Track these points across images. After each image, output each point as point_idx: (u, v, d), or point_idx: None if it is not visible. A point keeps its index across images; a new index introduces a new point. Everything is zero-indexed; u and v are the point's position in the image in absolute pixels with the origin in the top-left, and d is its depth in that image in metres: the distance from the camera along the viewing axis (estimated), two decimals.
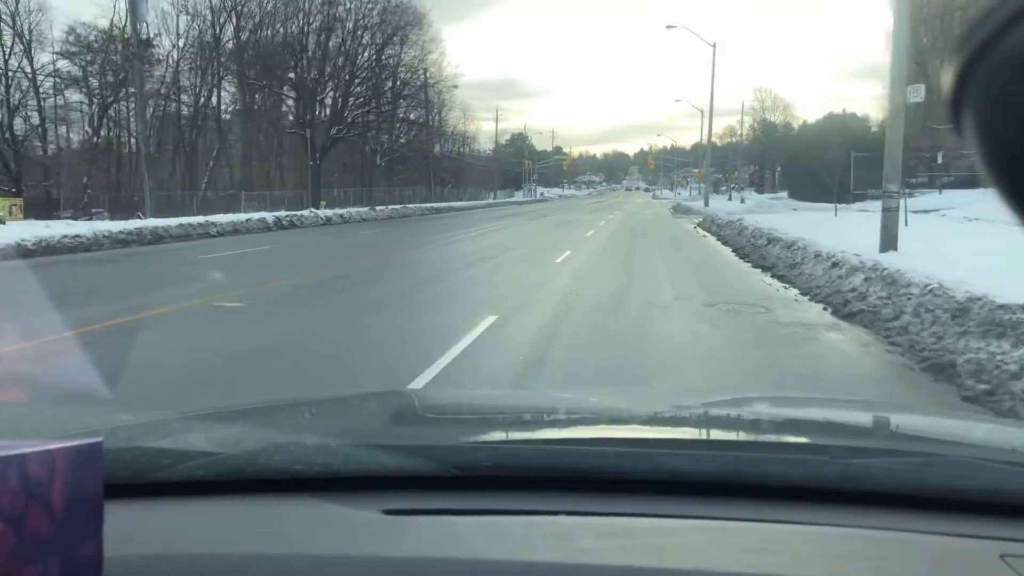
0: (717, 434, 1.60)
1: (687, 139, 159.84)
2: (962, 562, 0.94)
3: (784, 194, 67.08)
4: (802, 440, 1.52)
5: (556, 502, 1.05)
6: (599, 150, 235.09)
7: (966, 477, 1.09)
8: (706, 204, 47.10)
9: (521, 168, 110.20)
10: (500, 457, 1.20)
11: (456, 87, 71.28)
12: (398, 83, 58.67)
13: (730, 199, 61.20)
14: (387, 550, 0.93)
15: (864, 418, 1.81)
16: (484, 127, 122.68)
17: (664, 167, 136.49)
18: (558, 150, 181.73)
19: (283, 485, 1.10)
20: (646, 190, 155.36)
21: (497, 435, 1.52)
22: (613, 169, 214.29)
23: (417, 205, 47.39)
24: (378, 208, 38.91)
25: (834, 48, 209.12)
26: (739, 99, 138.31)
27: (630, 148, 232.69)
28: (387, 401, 1.91)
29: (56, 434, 0.73)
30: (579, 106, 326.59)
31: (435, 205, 50.98)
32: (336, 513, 1.03)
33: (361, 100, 45.73)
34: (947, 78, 0.49)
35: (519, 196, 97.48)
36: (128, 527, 0.93)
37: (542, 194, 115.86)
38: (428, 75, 68.68)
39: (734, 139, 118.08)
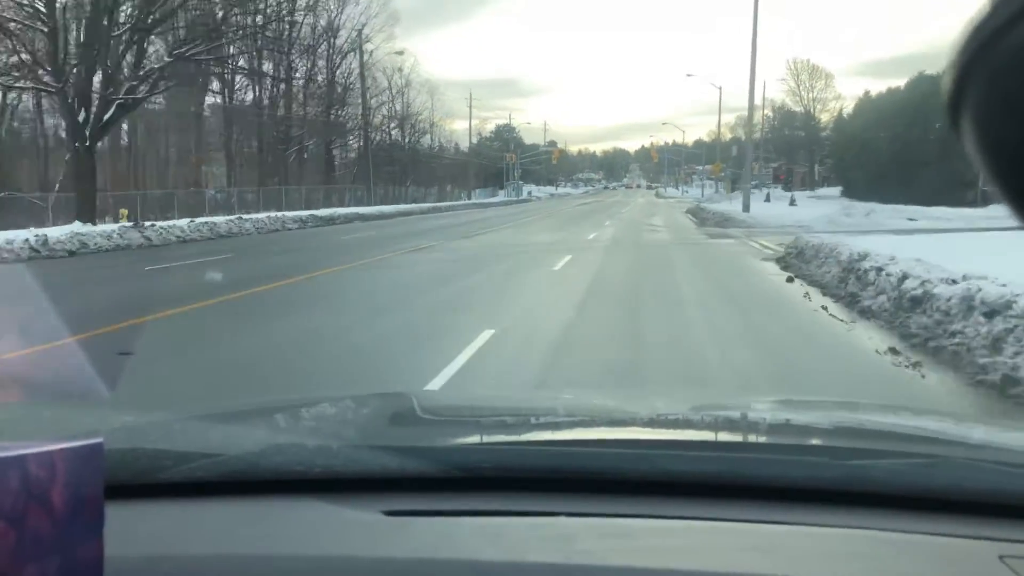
0: (717, 435, 1.60)
1: (690, 136, 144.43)
2: (961, 563, 0.94)
3: (834, 192, 50.23)
4: (802, 441, 1.51)
5: (556, 503, 1.05)
6: (599, 147, 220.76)
7: (966, 478, 1.08)
8: (746, 209, 30.57)
9: (516, 166, 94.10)
10: (500, 458, 1.20)
11: (400, 53, 54.57)
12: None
13: (767, 200, 44.23)
14: (387, 551, 0.94)
15: (864, 419, 1.76)
16: (480, 125, 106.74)
17: (669, 161, 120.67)
18: (552, 144, 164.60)
19: (284, 486, 1.10)
20: (648, 187, 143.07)
21: (497, 436, 1.50)
22: (613, 166, 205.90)
23: (308, 213, 31.54)
24: (154, 227, 21.51)
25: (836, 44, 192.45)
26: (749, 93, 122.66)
27: (631, 146, 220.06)
28: (387, 402, 1.87)
29: (57, 435, 0.73)
30: (579, 105, 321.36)
31: (342, 211, 35.16)
32: (336, 514, 1.03)
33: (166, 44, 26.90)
34: (946, 78, 0.48)
35: (502, 195, 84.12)
36: (129, 528, 0.93)
37: (529, 193, 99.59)
38: (364, 37, 51.06)
39: (746, 129, 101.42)
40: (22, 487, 0.59)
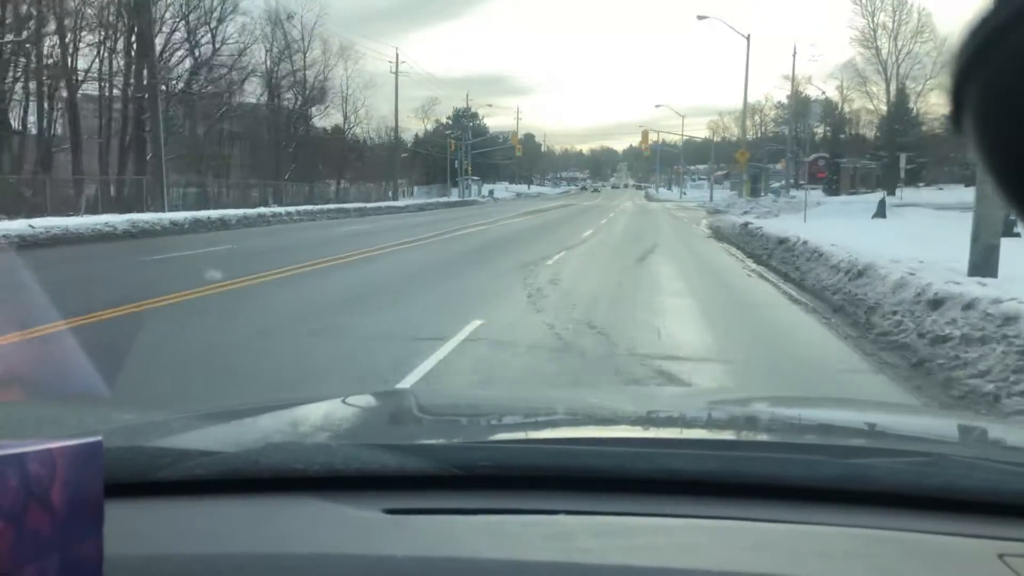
0: (716, 433, 1.59)
1: (679, 138, 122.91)
2: (960, 562, 0.94)
3: (948, 196, 28.84)
4: (801, 440, 1.50)
5: (556, 501, 1.05)
6: (587, 146, 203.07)
7: (965, 477, 1.08)
8: (990, 270, 8.42)
9: (465, 157, 72.80)
10: (500, 457, 1.20)
11: None
12: None
13: (880, 214, 22.63)
14: (387, 549, 0.93)
15: (863, 418, 1.77)
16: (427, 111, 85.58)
17: (663, 155, 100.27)
18: (529, 138, 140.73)
19: (283, 484, 1.09)
20: (637, 187, 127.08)
21: (497, 435, 1.51)
22: (600, 165, 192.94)
23: None
24: None
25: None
26: (757, 91, 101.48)
27: (619, 145, 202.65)
28: (387, 401, 1.88)
29: (56, 433, 0.72)
30: (567, 104, 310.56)
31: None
32: (336, 512, 1.03)
33: None
34: (947, 77, 0.48)
35: (456, 195, 66.30)
36: (128, 526, 0.93)
37: (491, 193, 78.48)
38: None
39: (758, 118, 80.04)
40: (22, 485, 0.59)
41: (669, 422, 1.64)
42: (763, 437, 1.55)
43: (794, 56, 61.06)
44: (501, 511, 1.03)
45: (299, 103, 47.89)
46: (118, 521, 0.75)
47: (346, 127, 59.03)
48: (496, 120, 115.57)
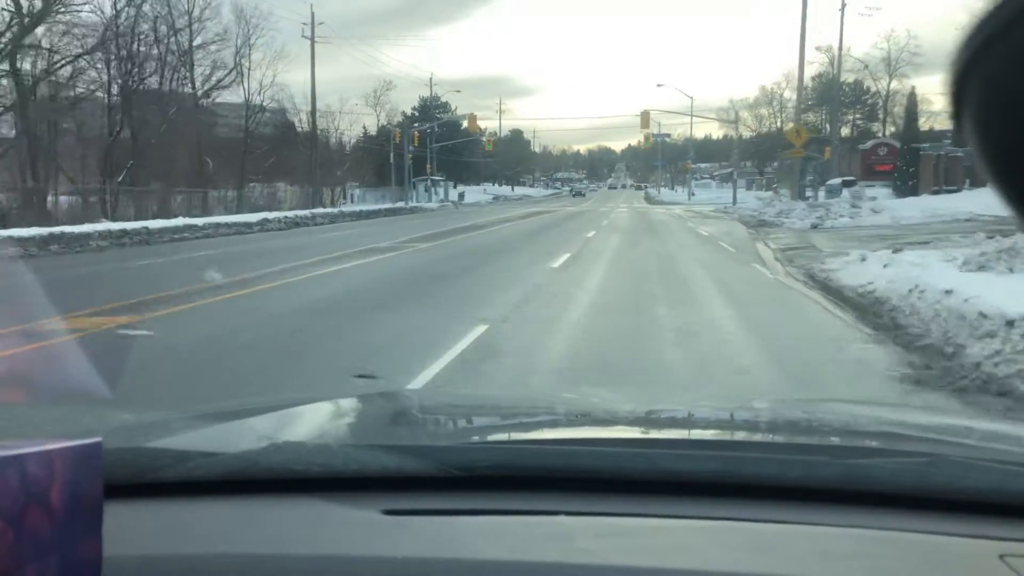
0: (716, 434, 1.59)
1: (681, 133, 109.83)
2: (961, 562, 0.94)
3: None
4: (801, 440, 1.50)
5: (556, 502, 1.05)
6: (584, 147, 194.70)
7: (965, 477, 1.08)
8: None
9: (429, 152, 58.23)
10: (500, 457, 1.20)
11: None
12: None
13: None
14: (387, 550, 0.93)
15: (863, 418, 1.76)
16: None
17: (663, 153, 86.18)
18: (517, 135, 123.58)
19: (283, 485, 1.09)
20: (636, 188, 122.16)
21: (497, 435, 1.51)
22: (597, 165, 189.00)
23: None
24: None
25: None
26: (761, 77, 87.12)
27: (617, 145, 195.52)
28: (386, 402, 1.87)
29: (55, 434, 0.72)
30: (566, 104, 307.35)
31: None
32: (336, 513, 1.03)
33: None
34: (948, 76, 0.48)
35: (418, 199, 56.07)
36: (128, 527, 0.93)
37: (460, 196, 63.94)
38: None
39: (777, 105, 64.76)
40: (21, 486, 0.59)
41: (669, 423, 1.64)
42: (763, 438, 1.54)
43: (843, 9, 45.42)
44: (501, 512, 1.03)
45: (125, 74, 32.55)
46: (117, 522, 0.75)
47: (248, 114, 44.00)
48: (492, 123, 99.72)
